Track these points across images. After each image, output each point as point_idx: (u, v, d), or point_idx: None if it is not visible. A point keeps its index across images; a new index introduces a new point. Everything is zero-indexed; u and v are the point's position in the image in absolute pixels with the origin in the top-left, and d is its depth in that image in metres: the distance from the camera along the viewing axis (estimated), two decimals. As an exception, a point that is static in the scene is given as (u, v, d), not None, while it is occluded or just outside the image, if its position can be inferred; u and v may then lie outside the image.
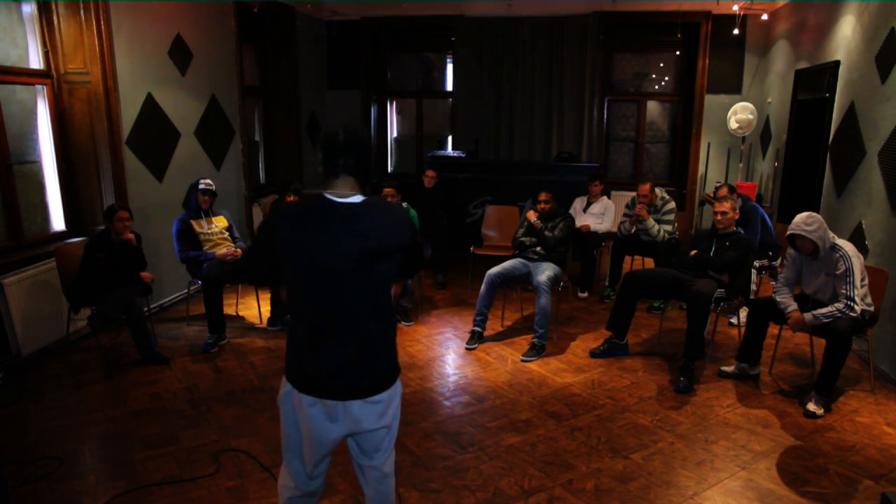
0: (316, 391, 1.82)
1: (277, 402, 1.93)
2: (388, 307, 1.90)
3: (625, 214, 5.48)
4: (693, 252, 4.22)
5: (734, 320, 4.89)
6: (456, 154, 7.41)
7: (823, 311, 3.47)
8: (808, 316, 3.52)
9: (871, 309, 3.57)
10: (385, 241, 1.77)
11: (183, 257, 4.50)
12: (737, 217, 4.23)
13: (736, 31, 7.04)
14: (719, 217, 4.15)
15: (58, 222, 4.64)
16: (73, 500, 2.68)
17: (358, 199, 1.78)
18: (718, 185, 5.67)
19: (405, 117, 8.94)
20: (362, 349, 1.82)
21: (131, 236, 4.04)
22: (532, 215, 4.67)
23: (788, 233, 3.57)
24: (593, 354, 4.31)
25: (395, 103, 8.88)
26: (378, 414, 1.87)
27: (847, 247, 3.50)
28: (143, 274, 4.18)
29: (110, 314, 3.89)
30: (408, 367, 4.09)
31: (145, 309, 4.68)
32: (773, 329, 3.94)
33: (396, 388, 1.93)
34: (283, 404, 1.90)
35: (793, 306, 3.65)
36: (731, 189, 4.95)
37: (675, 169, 8.04)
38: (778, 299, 3.73)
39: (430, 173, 6.16)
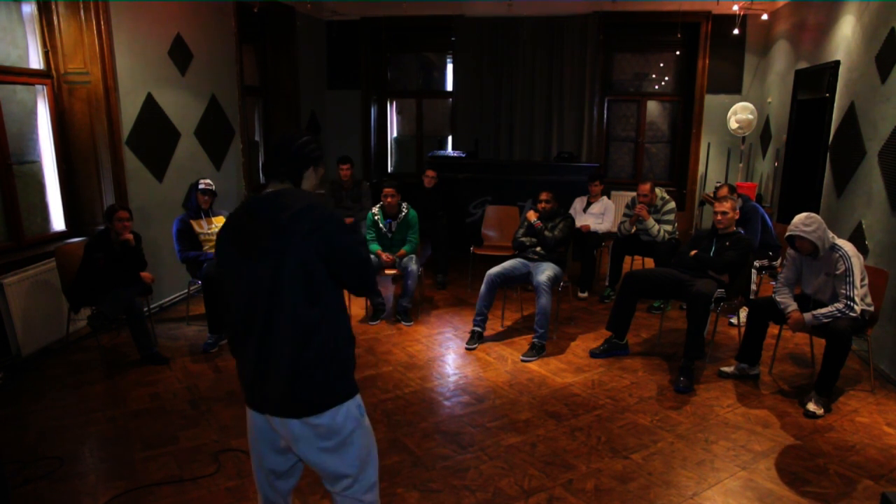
0: (253, 403, 1.78)
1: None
2: (323, 304, 1.68)
3: (625, 214, 5.48)
4: (693, 252, 4.22)
5: (734, 320, 4.89)
6: (456, 154, 7.41)
7: (823, 311, 3.47)
8: (807, 316, 3.52)
9: (871, 309, 3.57)
10: (295, 220, 1.64)
11: (183, 257, 4.50)
12: (737, 217, 4.23)
13: (736, 31, 7.04)
14: (719, 217, 4.15)
15: (58, 222, 4.64)
16: (73, 500, 2.68)
17: (279, 188, 1.76)
18: (718, 185, 5.67)
19: (405, 117, 8.94)
20: (287, 360, 1.65)
21: (130, 237, 4.04)
22: (532, 215, 4.67)
23: (788, 233, 3.57)
24: (593, 354, 4.31)
25: (395, 103, 8.88)
26: (317, 437, 1.70)
27: (847, 247, 3.50)
28: (143, 274, 4.18)
29: (110, 314, 3.89)
30: (408, 367, 4.09)
31: (145, 309, 4.69)
32: (773, 329, 3.94)
33: (345, 408, 1.72)
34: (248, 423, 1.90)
35: (793, 306, 3.65)
36: (732, 189, 4.95)
37: (675, 169, 8.04)
38: (778, 299, 3.73)
39: (430, 173, 6.16)
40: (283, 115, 7.46)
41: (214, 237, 4.59)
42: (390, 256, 4.87)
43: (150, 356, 4.09)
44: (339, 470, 1.78)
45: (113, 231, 4.01)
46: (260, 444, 1.82)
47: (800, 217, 3.51)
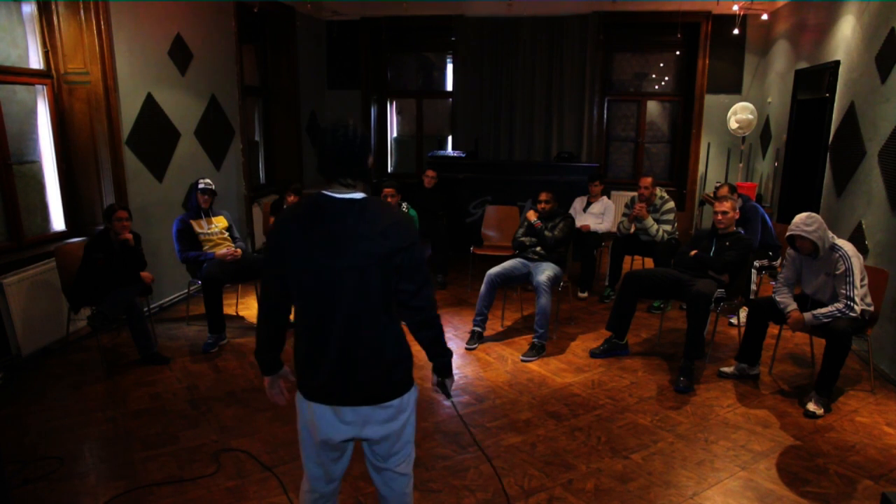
0: (324, 397, 1.81)
1: (296, 406, 1.93)
2: (392, 310, 1.83)
3: (624, 214, 5.48)
4: (693, 252, 4.22)
5: (734, 320, 4.89)
6: (456, 154, 7.41)
7: (823, 310, 3.47)
8: (807, 316, 3.52)
9: (871, 309, 3.57)
10: (385, 236, 1.73)
11: (183, 257, 4.50)
12: (737, 217, 4.23)
13: (736, 31, 7.04)
14: (720, 217, 4.15)
15: (58, 222, 4.64)
16: (73, 500, 2.68)
17: (358, 195, 1.76)
18: (718, 185, 5.67)
19: (405, 117, 8.94)
20: (369, 353, 1.79)
21: (129, 236, 4.03)
22: (532, 215, 4.67)
23: (788, 233, 3.57)
24: (593, 354, 4.31)
25: (395, 103, 8.88)
26: (385, 419, 1.85)
27: (846, 247, 3.50)
28: (143, 274, 4.17)
29: (110, 314, 3.89)
30: (408, 367, 4.09)
31: (145, 309, 4.69)
32: (773, 329, 3.94)
33: (410, 395, 1.90)
34: (299, 411, 1.91)
35: (792, 306, 3.65)
36: (732, 189, 4.96)
37: (675, 169, 8.04)
38: (777, 299, 3.73)
39: (430, 173, 6.16)
40: (283, 115, 7.46)
41: (214, 237, 4.60)
42: None
43: (150, 356, 4.09)
44: (396, 446, 1.91)
45: (112, 231, 4.00)
46: (327, 436, 1.85)
47: (800, 217, 3.51)
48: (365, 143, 1.77)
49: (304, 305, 1.79)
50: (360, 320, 1.76)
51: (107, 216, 4.01)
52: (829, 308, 3.46)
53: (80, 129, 4.57)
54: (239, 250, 4.59)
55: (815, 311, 3.50)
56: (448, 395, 2.04)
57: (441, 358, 2.00)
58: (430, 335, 1.95)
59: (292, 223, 1.76)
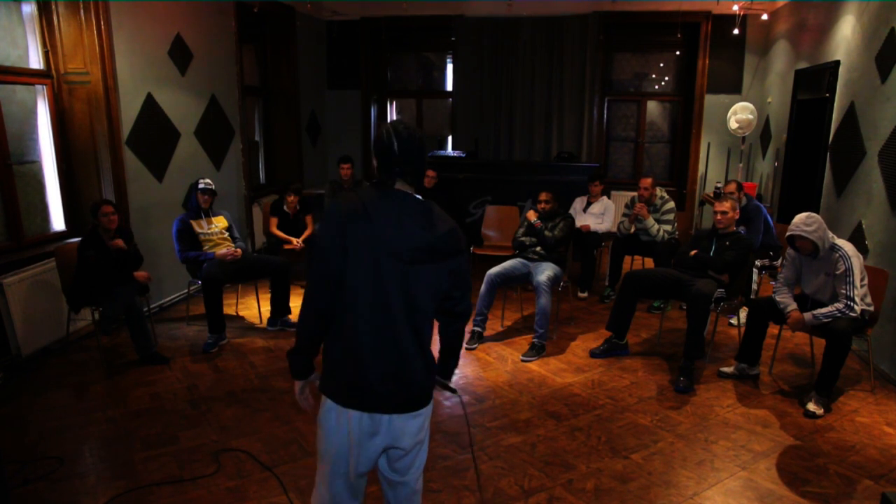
0: (364, 403, 1.74)
1: (318, 420, 1.84)
2: (432, 316, 1.84)
3: (624, 214, 5.48)
4: (693, 252, 4.22)
5: (734, 320, 4.89)
6: (456, 154, 7.40)
7: (823, 310, 3.47)
8: (807, 315, 3.52)
9: (871, 309, 3.57)
10: (445, 240, 1.76)
11: (183, 257, 4.50)
12: (737, 217, 4.23)
13: (736, 31, 7.04)
14: (719, 217, 4.15)
15: (58, 222, 4.64)
16: (73, 500, 2.68)
17: (418, 196, 1.79)
18: (719, 184, 5.68)
19: (405, 117, 8.94)
20: (416, 357, 1.76)
21: (120, 243, 4.00)
22: (532, 215, 4.66)
23: (788, 233, 3.57)
24: (593, 354, 4.31)
25: (395, 103, 8.88)
26: (418, 428, 1.82)
27: (846, 247, 3.50)
28: (138, 274, 4.17)
29: (111, 314, 3.90)
30: (408, 367, 4.09)
31: (145, 309, 4.69)
32: (773, 329, 3.94)
33: (431, 403, 1.89)
34: (325, 422, 1.81)
35: (792, 306, 3.65)
36: (739, 186, 4.96)
37: (675, 169, 8.04)
38: (777, 299, 3.73)
39: (429, 173, 6.15)
40: (283, 115, 7.46)
41: (214, 237, 4.60)
42: None
43: (149, 356, 4.08)
44: (418, 459, 1.89)
45: (100, 227, 3.99)
46: (363, 449, 1.78)
47: (800, 217, 3.52)
48: (423, 148, 1.81)
49: (361, 304, 1.71)
50: (416, 321, 1.75)
51: (93, 213, 4.00)
52: (830, 308, 3.46)
53: (80, 129, 4.57)
54: (239, 250, 4.59)
55: (815, 311, 3.50)
56: (453, 390, 2.03)
57: (456, 360, 2.04)
58: (460, 342, 2.01)
59: (353, 218, 1.69)
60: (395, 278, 1.70)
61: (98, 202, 4.04)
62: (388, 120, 1.79)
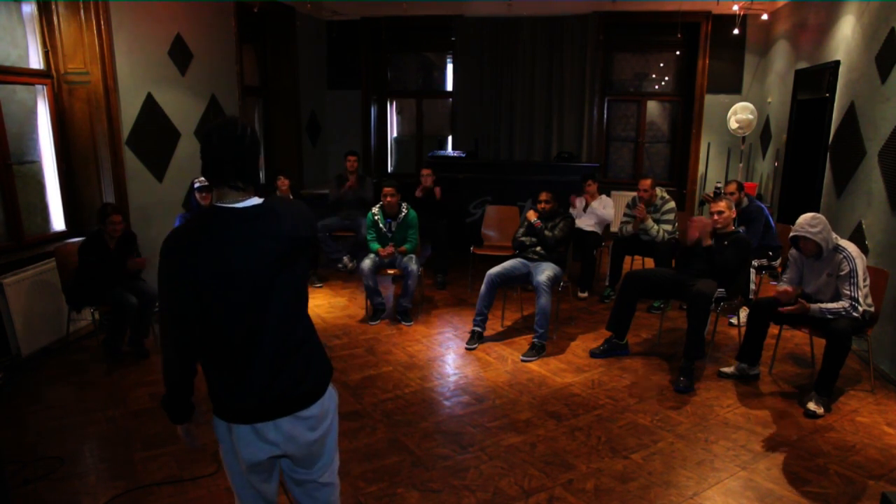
0: (245, 418, 1.71)
1: (215, 431, 1.84)
2: (306, 310, 1.78)
3: (625, 215, 5.48)
4: (708, 243, 4.12)
5: (734, 320, 4.89)
6: (456, 154, 7.41)
7: (830, 305, 3.47)
8: (814, 307, 3.51)
9: (872, 309, 3.57)
10: (298, 237, 1.68)
11: None
12: (734, 216, 4.22)
13: (736, 31, 7.04)
14: (716, 217, 4.14)
15: (58, 222, 4.64)
16: (73, 500, 2.68)
17: (256, 201, 1.65)
18: (719, 184, 5.68)
19: (405, 117, 8.94)
20: (289, 360, 1.69)
21: (140, 263, 4.17)
22: (532, 215, 4.66)
23: (792, 234, 3.57)
24: (593, 354, 4.31)
25: (395, 103, 8.88)
26: (308, 427, 1.75)
27: (850, 247, 3.50)
28: (137, 260, 4.18)
29: (119, 316, 3.97)
30: (408, 367, 4.09)
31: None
32: (773, 329, 3.94)
33: (329, 398, 1.81)
34: (219, 438, 1.83)
35: (786, 285, 3.67)
36: (739, 186, 4.96)
37: (675, 169, 8.04)
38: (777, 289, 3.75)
39: (424, 172, 6.14)
40: (283, 115, 7.46)
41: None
42: (389, 249, 4.84)
43: (137, 347, 4.19)
44: (322, 457, 1.83)
45: (105, 234, 4.02)
46: (252, 457, 1.75)
47: (805, 217, 3.52)
48: (255, 143, 1.64)
49: (226, 325, 1.64)
50: (289, 323, 1.69)
51: (100, 217, 4.02)
52: (836, 305, 3.46)
53: (80, 129, 4.57)
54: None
55: (821, 305, 3.50)
56: None
57: None
58: None
59: (195, 240, 1.60)
60: (264, 285, 1.63)
61: (108, 209, 4.04)
62: (220, 120, 1.67)
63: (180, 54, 5.25)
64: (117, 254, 4.06)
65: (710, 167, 7.59)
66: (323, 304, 5.45)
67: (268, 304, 1.65)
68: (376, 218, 4.97)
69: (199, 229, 1.62)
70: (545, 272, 4.35)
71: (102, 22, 4.38)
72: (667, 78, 7.95)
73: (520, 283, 4.72)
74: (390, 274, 5.06)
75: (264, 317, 1.65)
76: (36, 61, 4.39)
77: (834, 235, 3.53)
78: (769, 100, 6.88)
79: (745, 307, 4.64)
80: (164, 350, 1.70)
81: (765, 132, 6.97)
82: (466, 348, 4.41)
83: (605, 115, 8.02)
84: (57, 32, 4.39)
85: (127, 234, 4.19)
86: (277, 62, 7.33)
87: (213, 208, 1.63)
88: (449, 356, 4.31)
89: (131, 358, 4.17)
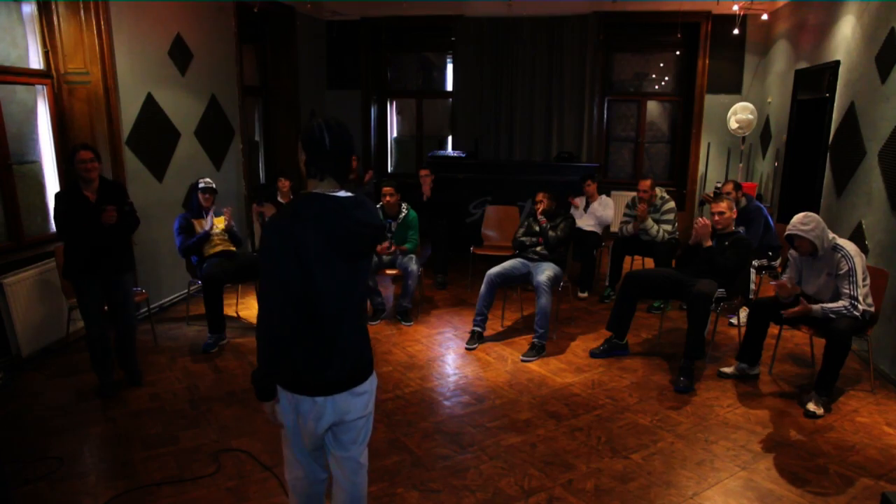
0: (309, 390, 1.85)
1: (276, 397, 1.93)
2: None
3: (626, 215, 5.48)
4: (708, 243, 4.11)
5: (734, 320, 4.89)
6: (456, 154, 7.41)
7: (831, 305, 3.48)
8: (816, 307, 3.51)
9: (872, 309, 3.57)
10: (381, 227, 1.93)
11: (183, 248, 4.48)
12: (734, 216, 4.22)
13: (736, 31, 7.03)
14: (716, 217, 4.15)
15: (58, 222, 4.63)
16: (73, 500, 2.68)
17: (348, 192, 1.83)
18: (719, 184, 5.67)
19: (405, 117, 8.94)
20: (355, 340, 1.89)
21: (111, 216, 3.40)
22: (541, 210, 4.63)
23: (786, 232, 3.59)
24: (593, 354, 4.31)
25: (395, 103, 8.87)
26: (363, 404, 1.94)
27: (849, 247, 3.51)
28: (109, 212, 3.41)
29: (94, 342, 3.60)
30: (408, 367, 4.09)
31: (144, 309, 4.69)
32: (773, 329, 3.94)
33: (374, 378, 2.00)
34: (280, 400, 1.93)
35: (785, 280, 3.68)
36: (737, 186, 4.96)
37: (675, 169, 8.04)
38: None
39: (422, 172, 6.13)
40: (283, 115, 7.46)
41: (214, 237, 4.59)
42: (387, 244, 4.79)
43: (132, 376, 3.79)
44: (364, 433, 2.00)
45: (80, 178, 3.43)
46: (311, 428, 1.89)
47: (798, 216, 3.53)
48: (351, 145, 1.84)
49: (325, 298, 1.79)
50: (364, 301, 1.95)
51: (69, 161, 3.41)
52: (837, 304, 3.47)
53: (80, 129, 4.56)
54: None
55: (823, 305, 3.51)
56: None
57: None
58: None
59: (301, 224, 1.73)
60: (343, 273, 1.81)
61: (75, 146, 3.47)
62: (326, 117, 1.81)
63: (180, 54, 5.25)
64: (99, 209, 3.39)
65: (711, 167, 7.59)
66: (323, 304, 5.44)
67: (356, 283, 1.87)
68: (376, 218, 4.96)
69: (307, 210, 1.76)
70: (545, 272, 4.35)
71: (102, 22, 4.38)
72: (667, 78, 7.95)
73: (520, 283, 4.72)
74: (390, 274, 5.06)
75: (353, 294, 1.85)
76: (36, 61, 4.39)
77: (831, 235, 3.53)
78: (769, 100, 6.88)
79: (745, 307, 4.64)
80: (260, 327, 1.79)
81: (765, 132, 6.97)
82: (466, 348, 4.41)
83: (605, 115, 8.02)
84: (57, 32, 4.39)
85: (112, 184, 3.66)
86: (277, 62, 7.33)
87: (317, 195, 1.78)
88: (449, 356, 4.31)
89: (125, 384, 3.80)
